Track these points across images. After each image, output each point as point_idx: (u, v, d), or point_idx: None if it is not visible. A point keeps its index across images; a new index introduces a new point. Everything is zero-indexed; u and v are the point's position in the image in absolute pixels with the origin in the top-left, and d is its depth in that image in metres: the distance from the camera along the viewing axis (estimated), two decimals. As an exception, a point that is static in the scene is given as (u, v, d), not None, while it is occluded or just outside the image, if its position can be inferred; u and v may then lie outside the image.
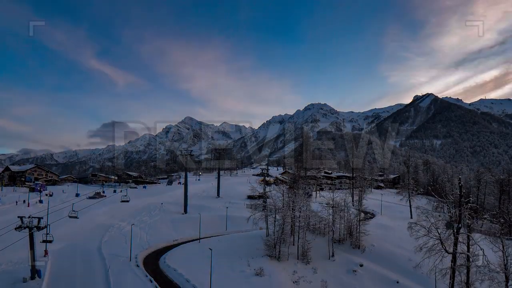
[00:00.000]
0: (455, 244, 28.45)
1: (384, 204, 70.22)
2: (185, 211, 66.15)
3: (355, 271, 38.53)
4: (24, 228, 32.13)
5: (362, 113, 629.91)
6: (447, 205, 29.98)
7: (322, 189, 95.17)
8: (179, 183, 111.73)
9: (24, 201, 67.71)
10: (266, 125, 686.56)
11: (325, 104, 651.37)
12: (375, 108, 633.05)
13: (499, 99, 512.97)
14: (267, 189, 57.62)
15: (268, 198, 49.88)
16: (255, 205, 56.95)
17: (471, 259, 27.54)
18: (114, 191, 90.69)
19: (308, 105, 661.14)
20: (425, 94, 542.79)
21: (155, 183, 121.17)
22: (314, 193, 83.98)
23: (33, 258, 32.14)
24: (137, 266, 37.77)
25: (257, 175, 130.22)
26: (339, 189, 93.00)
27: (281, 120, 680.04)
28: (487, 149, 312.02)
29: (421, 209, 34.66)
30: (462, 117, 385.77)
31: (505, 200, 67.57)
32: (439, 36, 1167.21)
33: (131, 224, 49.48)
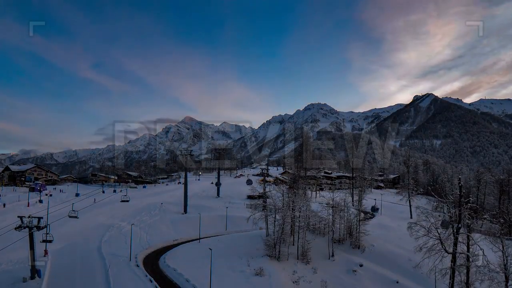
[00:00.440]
0: (455, 244, 28.45)
1: (384, 204, 70.27)
2: (185, 211, 66.16)
3: (355, 271, 38.54)
4: (24, 228, 32.12)
5: (362, 113, 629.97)
6: (447, 205, 29.96)
7: (322, 189, 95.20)
8: (179, 183, 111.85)
9: (19, 200, 67.68)
10: (266, 125, 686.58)
11: (325, 104, 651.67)
12: (375, 108, 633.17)
13: (499, 99, 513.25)
14: (267, 189, 57.62)
15: (268, 198, 49.89)
16: (255, 205, 56.94)
17: (471, 259, 27.54)
18: (114, 191, 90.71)
19: (308, 105, 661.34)
20: (425, 94, 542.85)
21: (155, 182, 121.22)
22: (314, 193, 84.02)
23: (33, 258, 32.14)
24: (137, 266, 37.76)
25: (257, 175, 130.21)
26: (339, 189, 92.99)
27: (281, 120, 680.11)
28: (487, 149, 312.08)
29: (421, 209, 34.60)
30: (462, 117, 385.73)
31: (505, 200, 67.55)
32: (398, 52, 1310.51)
33: (131, 224, 49.49)
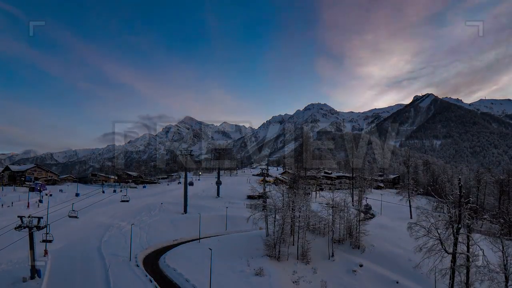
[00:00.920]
0: (455, 245, 28.45)
1: (384, 204, 70.26)
2: (185, 211, 66.14)
3: (354, 271, 38.53)
4: (24, 227, 32.11)
5: (362, 113, 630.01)
6: (447, 205, 29.95)
7: (322, 189, 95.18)
8: (179, 182, 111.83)
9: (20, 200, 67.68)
10: (266, 125, 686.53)
11: (325, 104, 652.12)
12: (375, 108, 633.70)
13: (499, 99, 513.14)
14: (267, 189, 57.63)
15: (268, 198, 49.90)
16: (255, 205, 57.02)
17: (471, 259, 27.55)
18: (114, 191, 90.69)
19: (308, 105, 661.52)
20: (425, 95, 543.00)
21: (155, 182, 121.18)
22: (314, 193, 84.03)
23: (33, 258, 32.11)
24: (137, 266, 37.76)
25: (257, 175, 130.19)
26: (339, 189, 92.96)
27: (281, 120, 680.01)
28: (487, 150, 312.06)
29: (420, 209, 34.65)
30: (462, 117, 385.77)
31: (505, 200, 67.55)
32: (360, 66, 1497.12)
33: (131, 224, 49.47)
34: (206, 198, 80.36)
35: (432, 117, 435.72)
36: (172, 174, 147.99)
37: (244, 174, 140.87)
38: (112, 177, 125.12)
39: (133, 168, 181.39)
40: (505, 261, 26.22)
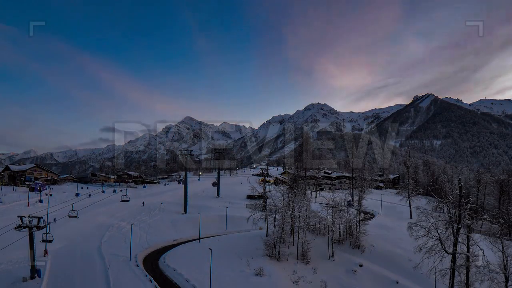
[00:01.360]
0: (455, 245, 28.45)
1: (384, 204, 70.28)
2: (185, 211, 66.14)
3: (354, 271, 38.53)
4: (24, 227, 32.11)
5: (362, 113, 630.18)
6: (447, 206, 29.95)
7: (322, 189, 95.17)
8: (179, 182, 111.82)
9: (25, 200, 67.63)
10: (266, 125, 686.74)
11: (325, 104, 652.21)
12: (375, 109, 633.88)
13: (499, 100, 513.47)
14: (267, 189, 57.64)
15: (268, 198, 49.88)
16: (255, 205, 56.96)
17: (470, 260, 27.54)
18: (114, 191, 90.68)
19: (308, 105, 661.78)
20: (425, 95, 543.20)
21: (155, 182, 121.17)
22: (314, 193, 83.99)
23: (33, 258, 32.11)
24: (137, 265, 37.75)
25: (257, 175, 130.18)
26: (339, 189, 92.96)
27: (281, 120, 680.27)
28: (487, 150, 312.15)
29: (420, 209, 34.65)
30: (462, 117, 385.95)
31: (505, 200, 67.54)
32: (331, 79, 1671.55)
33: (131, 224, 49.57)
34: (206, 198, 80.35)
35: (432, 117, 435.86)
36: (172, 174, 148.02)
37: (244, 174, 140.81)
38: (112, 177, 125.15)
39: (133, 168, 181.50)
40: (505, 261, 26.22)
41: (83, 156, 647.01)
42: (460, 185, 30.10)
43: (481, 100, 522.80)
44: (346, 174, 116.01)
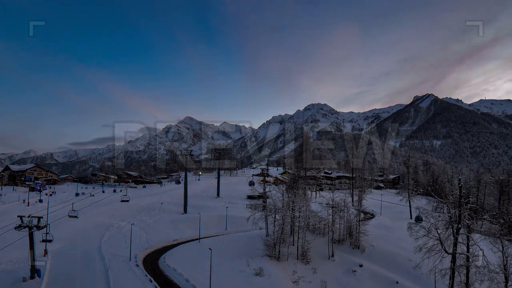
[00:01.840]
0: (455, 245, 28.43)
1: (384, 205, 70.30)
2: (185, 211, 66.16)
3: (354, 271, 38.52)
4: (24, 227, 32.12)
5: (362, 113, 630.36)
6: (447, 206, 29.93)
7: (322, 189, 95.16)
8: (179, 182, 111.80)
9: (24, 200, 67.71)
10: (266, 125, 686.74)
11: (325, 104, 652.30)
12: (375, 109, 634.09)
13: (499, 100, 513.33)
14: (267, 189, 57.64)
15: (268, 198, 49.86)
16: (255, 205, 56.99)
17: (470, 260, 27.53)
18: (114, 191, 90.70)
19: (308, 105, 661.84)
20: (425, 95, 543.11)
21: (155, 182, 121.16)
22: (314, 193, 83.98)
23: (33, 258, 32.13)
24: (137, 265, 37.76)
25: (257, 175, 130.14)
26: (338, 189, 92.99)
27: (281, 120, 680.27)
28: (487, 150, 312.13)
29: (420, 209, 34.64)
30: (462, 117, 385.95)
31: (505, 200, 67.55)
32: (325, 85, 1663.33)
33: (131, 224, 49.56)
34: (206, 198, 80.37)
35: (432, 117, 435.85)
36: (172, 174, 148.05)
37: (244, 174, 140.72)
38: (112, 177, 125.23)
39: (133, 168, 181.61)
40: (505, 261, 26.21)
41: (83, 156, 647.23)
42: (460, 185, 30.08)
43: (481, 100, 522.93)
44: (346, 174, 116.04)
